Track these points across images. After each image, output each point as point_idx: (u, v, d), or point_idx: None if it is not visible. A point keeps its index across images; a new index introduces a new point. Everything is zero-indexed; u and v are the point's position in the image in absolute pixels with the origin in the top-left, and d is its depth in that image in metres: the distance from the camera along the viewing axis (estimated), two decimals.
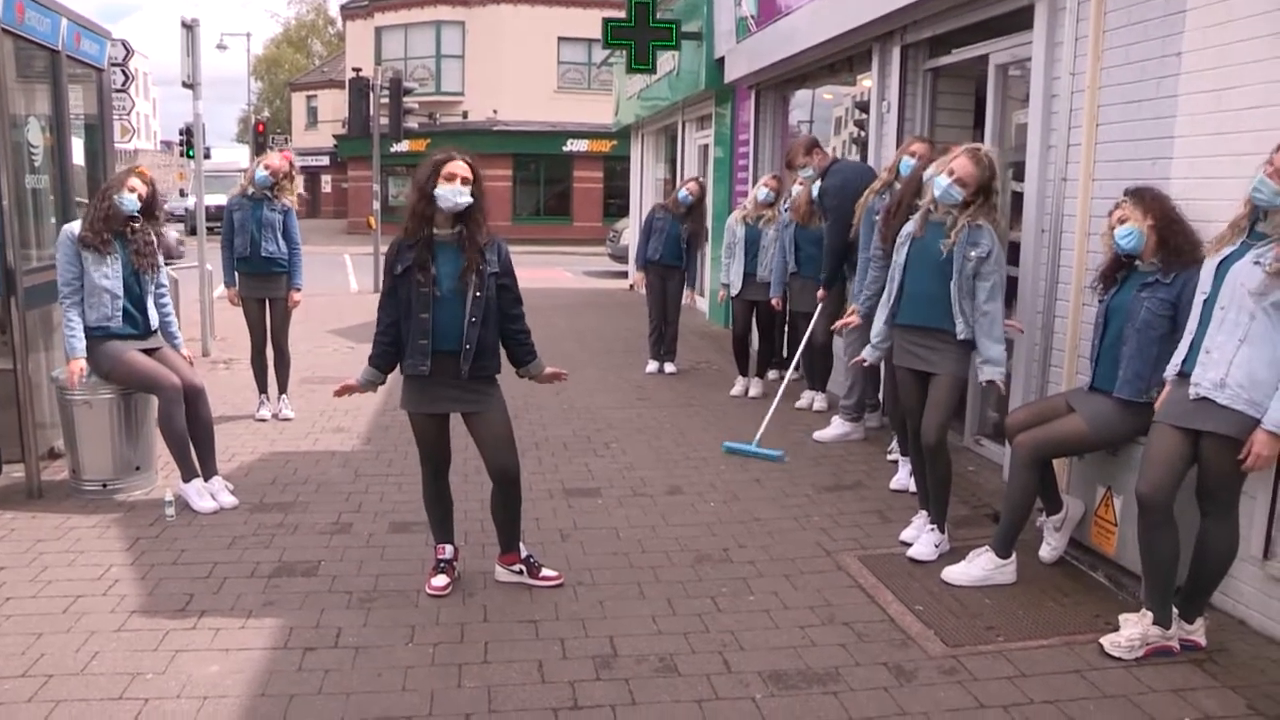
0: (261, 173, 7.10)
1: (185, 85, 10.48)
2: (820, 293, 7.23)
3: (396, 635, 3.88)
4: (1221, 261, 3.72)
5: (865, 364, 5.21)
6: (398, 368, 4.21)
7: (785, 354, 9.19)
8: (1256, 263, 3.52)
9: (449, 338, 4.05)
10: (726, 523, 5.27)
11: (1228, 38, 4.24)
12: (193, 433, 5.35)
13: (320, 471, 6.04)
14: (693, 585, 4.44)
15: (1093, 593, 4.41)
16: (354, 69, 19.27)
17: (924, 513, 5.02)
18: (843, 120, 10.80)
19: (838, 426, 6.99)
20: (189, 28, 10.30)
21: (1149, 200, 4.20)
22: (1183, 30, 4.49)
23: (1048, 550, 4.72)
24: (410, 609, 4.13)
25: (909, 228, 4.91)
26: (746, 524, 5.25)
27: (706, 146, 14.15)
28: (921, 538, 4.84)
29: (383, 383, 4.28)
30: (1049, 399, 4.63)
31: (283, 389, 7.47)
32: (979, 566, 4.49)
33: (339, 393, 4.28)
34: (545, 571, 4.39)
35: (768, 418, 6.83)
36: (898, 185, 5.85)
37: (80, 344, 5.21)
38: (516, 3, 33.14)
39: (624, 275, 19.22)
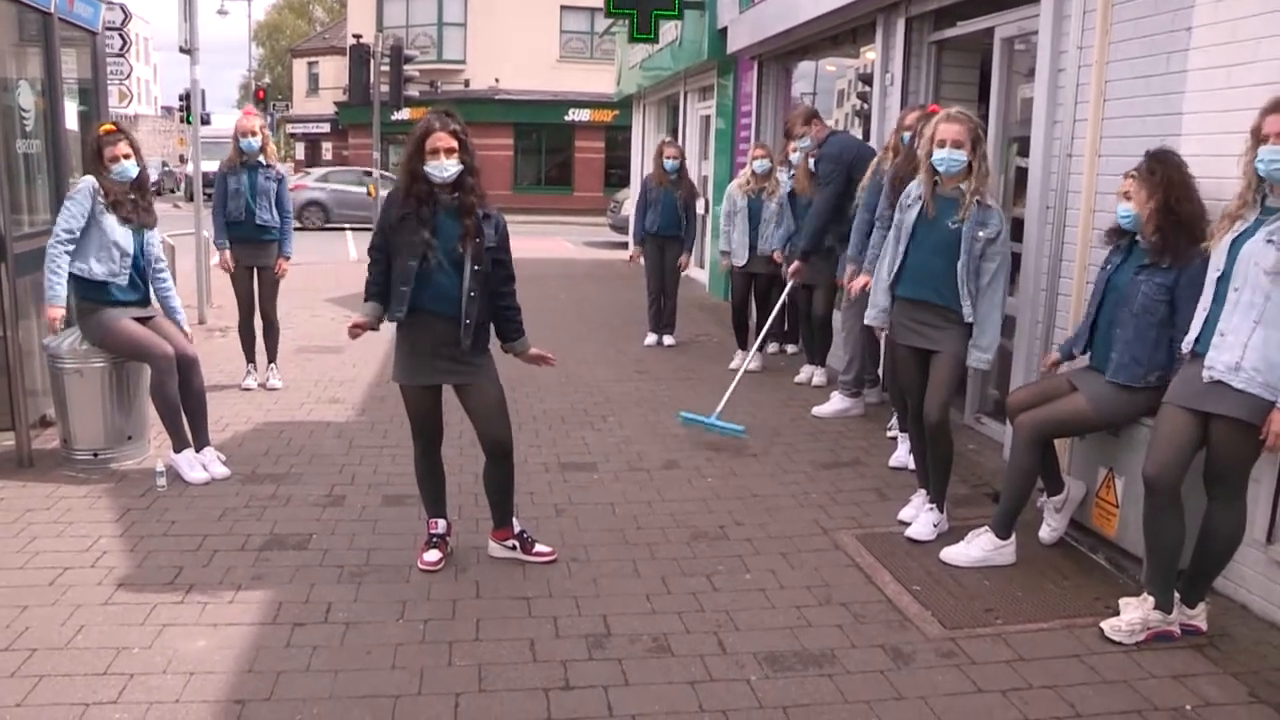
0: (251, 141, 6.98)
1: (183, 51, 10.35)
2: (795, 264, 7.18)
3: (387, 611, 3.83)
4: (1235, 239, 3.64)
5: (880, 331, 5.08)
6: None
7: (785, 327, 9.15)
8: (1269, 240, 3.44)
9: (444, 301, 4.00)
10: (723, 499, 5.22)
11: (1239, 12, 4.14)
12: (185, 403, 5.28)
13: (314, 443, 5.99)
14: (688, 563, 4.40)
15: (1093, 575, 4.37)
16: (355, 35, 19.07)
17: (923, 491, 4.96)
18: (845, 93, 10.68)
19: (837, 402, 6.93)
20: None
21: (1158, 179, 4.08)
22: (1194, 4, 4.39)
23: (1048, 531, 4.68)
24: (401, 584, 4.08)
25: (915, 189, 4.80)
26: (744, 500, 5.20)
27: (708, 117, 14.00)
28: (920, 517, 4.79)
29: (383, 315, 4.16)
30: (1051, 378, 4.55)
31: (271, 358, 7.40)
32: (978, 547, 4.44)
33: (353, 331, 4.14)
34: (539, 547, 4.34)
35: (729, 391, 6.72)
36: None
37: (63, 290, 5.13)
38: None
39: (624, 246, 19.08)
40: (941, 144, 4.57)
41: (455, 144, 3.97)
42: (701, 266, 13.80)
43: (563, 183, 34.30)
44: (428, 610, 3.86)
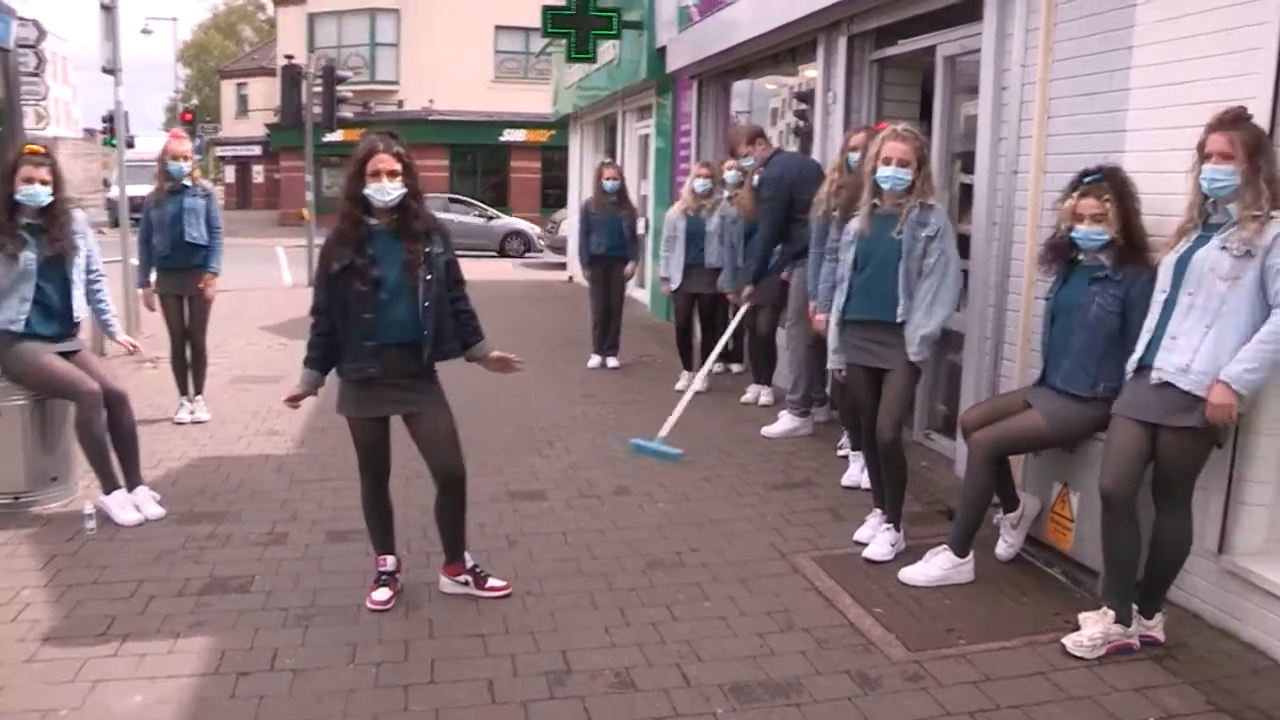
0: (176, 164, 6.76)
1: (105, 71, 10.04)
2: (748, 289, 7.19)
3: (337, 655, 3.67)
4: (1180, 258, 3.68)
5: (840, 375, 5.02)
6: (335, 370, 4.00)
7: (730, 346, 9.09)
8: (1223, 248, 3.49)
9: (400, 328, 3.88)
10: (677, 524, 5.13)
11: (1178, 32, 4.20)
12: (115, 441, 5.06)
13: (253, 478, 5.78)
14: (646, 592, 4.29)
15: (1051, 590, 4.36)
16: (286, 56, 18.77)
17: (878, 511, 4.93)
18: (779, 111, 10.72)
19: (786, 421, 6.89)
20: (107, 9, 9.82)
21: (1128, 199, 4.08)
22: (1134, 24, 4.44)
23: (1004, 547, 4.66)
24: (351, 626, 3.92)
25: (855, 225, 4.79)
26: (698, 525, 5.12)
27: (646, 137, 13.99)
28: (877, 537, 4.75)
29: (323, 384, 4.07)
30: (1005, 395, 4.56)
31: (198, 389, 7.15)
32: (936, 566, 4.41)
33: (290, 401, 4.07)
34: (492, 581, 4.21)
35: (677, 413, 6.67)
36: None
37: None
38: None
39: (562, 267, 19.02)
40: (887, 161, 4.57)
41: (398, 166, 3.85)
42: (642, 286, 13.75)
43: (499, 203, 33.98)
44: (380, 653, 3.70)
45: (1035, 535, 4.66)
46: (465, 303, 4.11)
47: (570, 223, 18.62)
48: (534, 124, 31.60)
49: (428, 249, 3.90)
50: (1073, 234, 4.17)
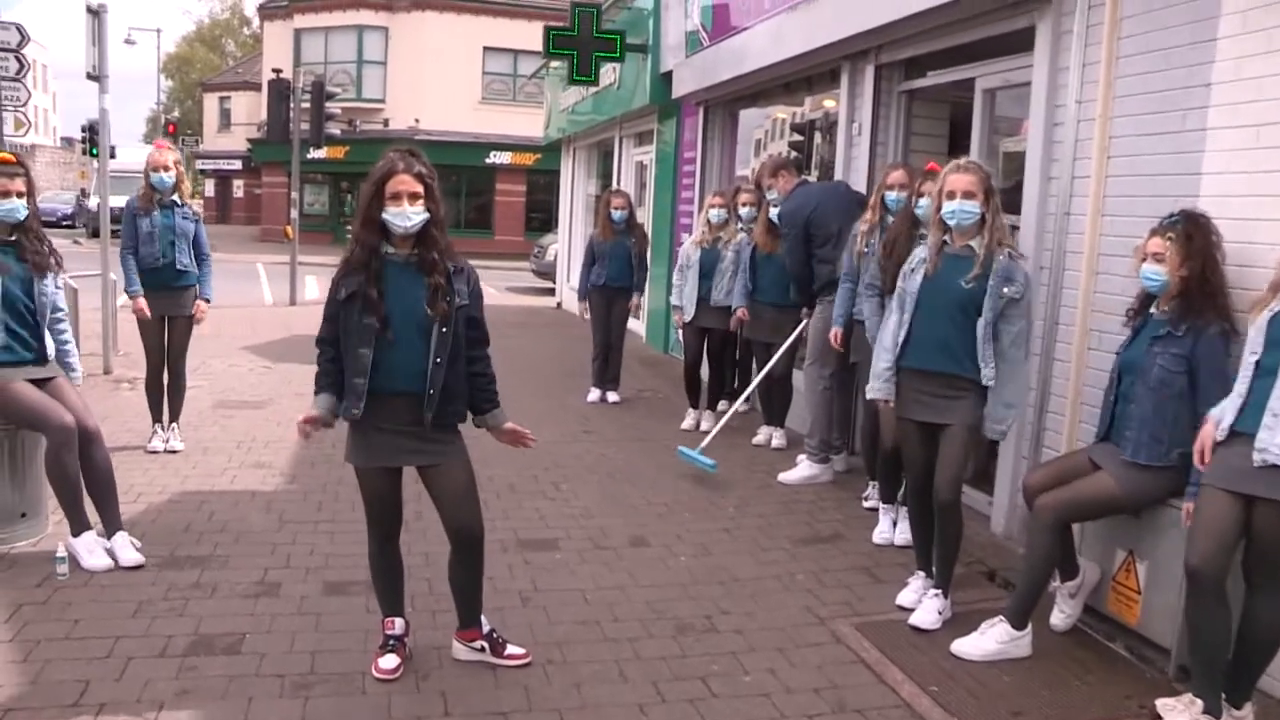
0: (163, 177, 6.35)
1: (90, 77, 9.59)
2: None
3: None
4: (1274, 317, 3.38)
5: (885, 403, 4.62)
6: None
7: (736, 385, 8.73)
8: None
9: (406, 377, 3.48)
10: (702, 582, 4.75)
11: (1267, 69, 3.90)
12: (89, 481, 4.61)
13: (240, 517, 5.34)
14: (678, 663, 3.91)
15: (1116, 667, 4.01)
16: (274, 70, 18.36)
17: (921, 574, 4.58)
18: (762, 143, 10.42)
19: (805, 468, 6.52)
20: (95, 13, 9.39)
21: (1196, 245, 3.80)
22: (1213, 60, 4.14)
23: (1060, 618, 4.31)
24: (356, 696, 3.51)
25: (920, 254, 4.45)
26: (725, 584, 4.74)
27: (643, 163, 13.69)
28: (924, 604, 4.39)
29: (336, 415, 3.63)
30: (1069, 455, 4.22)
31: (174, 416, 6.68)
32: (992, 639, 4.05)
33: (303, 428, 3.56)
34: (511, 649, 3.80)
35: (715, 429, 6.64)
36: (890, 219, 5.45)
37: None
38: (442, 10, 32.35)
39: (550, 293, 18.63)
40: (951, 195, 4.22)
41: (420, 188, 3.47)
42: (637, 318, 13.37)
43: (483, 226, 33.67)
44: None
45: (1094, 605, 4.31)
46: (485, 365, 3.72)
47: (561, 247, 18.30)
48: (520, 147, 31.36)
49: (448, 297, 3.51)
50: (1140, 275, 3.91)
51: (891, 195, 5.51)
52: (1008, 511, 5.36)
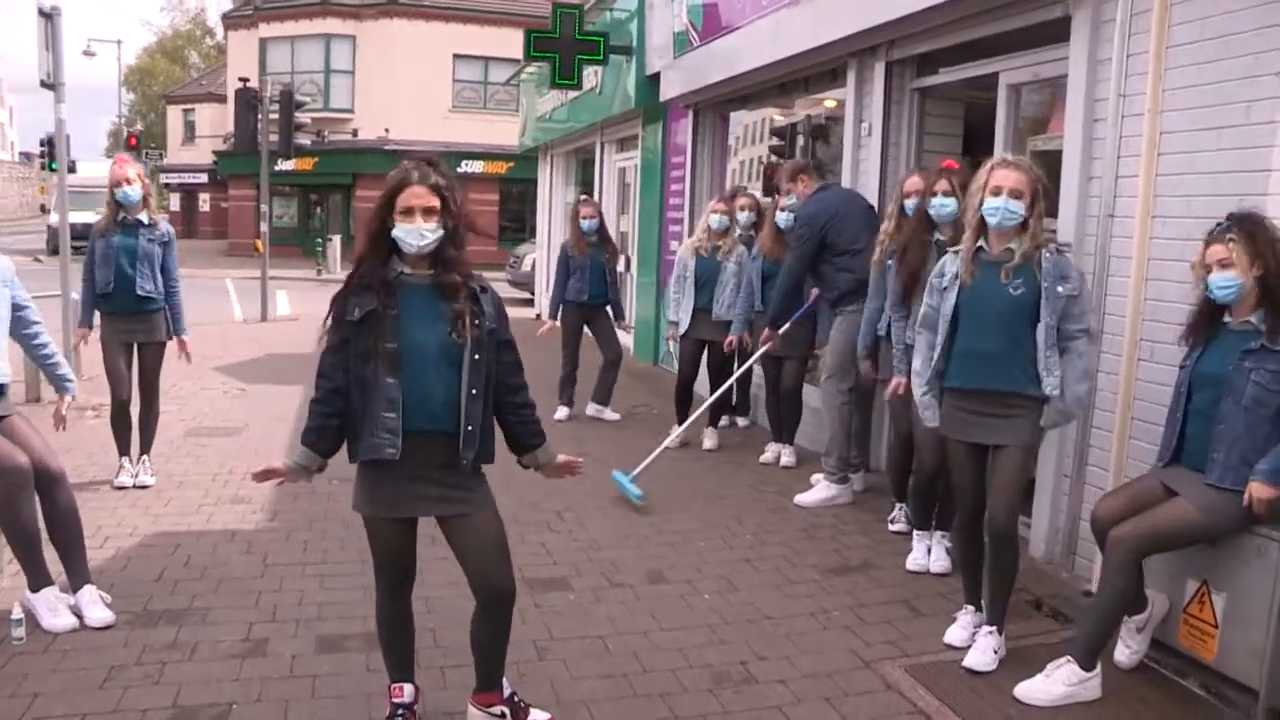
0: (128, 191, 5.88)
1: (45, 85, 9.06)
2: (765, 332, 6.57)
3: None
4: None
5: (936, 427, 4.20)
6: (345, 449, 3.18)
7: (734, 399, 8.35)
8: None
9: (433, 414, 3.07)
10: (732, 623, 4.35)
11: None
12: (52, 528, 4.13)
13: (219, 561, 4.88)
14: None
15: (1194, 709, 3.68)
16: (241, 79, 17.84)
17: (969, 608, 4.22)
18: (734, 149, 10.08)
19: (822, 489, 6.14)
20: (48, 16, 8.85)
21: (1261, 241, 3.48)
22: None
23: (1126, 654, 3.94)
24: None
25: (951, 267, 4.07)
26: (757, 624, 4.34)
27: (625, 170, 13.31)
28: (978, 642, 4.01)
29: (320, 469, 3.22)
30: (1139, 481, 3.84)
31: (145, 449, 6.19)
32: (1059, 682, 3.68)
33: (259, 477, 3.19)
34: (535, 715, 3.37)
35: (650, 457, 6.29)
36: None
37: None
38: (410, 18, 31.85)
39: (527, 303, 18.20)
40: (997, 191, 3.84)
41: (436, 202, 3.06)
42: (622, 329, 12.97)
43: None
44: None
45: (1161, 639, 3.95)
46: (525, 394, 3.32)
47: (539, 257, 17.85)
48: (492, 155, 30.89)
49: (476, 320, 3.11)
50: (1206, 288, 3.56)
51: (910, 203, 5.18)
52: (1048, 535, 5.01)
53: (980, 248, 3.97)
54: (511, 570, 3.24)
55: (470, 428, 3.07)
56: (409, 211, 3.02)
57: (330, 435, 3.14)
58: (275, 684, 3.65)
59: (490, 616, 3.23)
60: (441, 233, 3.05)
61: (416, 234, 3.02)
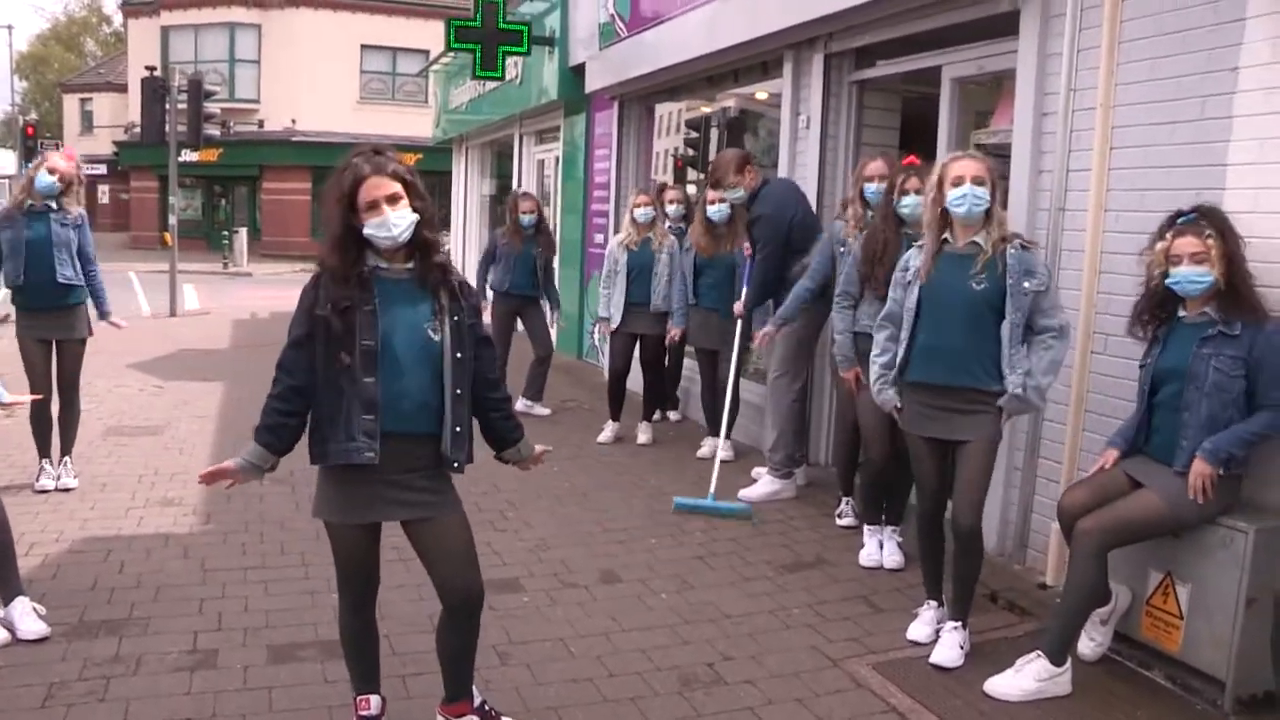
0: (46, 179, 5.60)
1: None
2: (738, 306, 6.27)
3: None
4: None
5: (897, 410, 4.16)
6: (302, 450, 3.01)
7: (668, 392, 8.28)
8: None
9: (414, 416, 2.92)
10: (693, 622, 4.27)
11: None
12: None
13: (155, 568, 4.61)
14: None
15: (1163, 701, 3.71)
16: (148, 68, 17.15)
17: (931, 604, 4.21)
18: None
19: (766, 484, 6.09)
20: None
21: (1231, 239, 3.55)
22: (1241, 42, 3.86)
23: (1090, 647, 3.97)
24: None
25: (914, 265, 4.05)
26: (718, 623, 4.27)
27: (545, 161, 13.14)
28: (944, 638, 4.00)
29: (272, 469, 3.04)
30: (1103, 473, 3.87)
31: (66, 450, 5.89)
32: (1029, 677, 3.68)
33: (207, 479, 3.00)
34: None
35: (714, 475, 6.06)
36: (871, 215, 5.06)
37: None
38: (317, 7, 31.10)
39: None
40: (959, 181, 3.82)
41: (398, 187, 2.91)
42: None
43: None
44: None
45: (1124, 631, 3.99)
46: (501, 388, 3.22)
47: (454, 250, 17.57)
48: (402, 147, 29.84)
49: (455, 316, 2.97)
50: (1169, 280, 3.59)
51: (871, 188, 5.11)
52: (1000, 528, 5.04)
53: (945, 240, 3.96)
54: (479, 574, 3.12)
55: (458, 429, 2.95)
56: (374, 205, 2.86)
57: (288, 434, 2.97)
58: (230, 697, 3.45)
59: (458, 622, 3.09)
60: (416, 217, 2.90)
61: (388, 226, 2.87)
